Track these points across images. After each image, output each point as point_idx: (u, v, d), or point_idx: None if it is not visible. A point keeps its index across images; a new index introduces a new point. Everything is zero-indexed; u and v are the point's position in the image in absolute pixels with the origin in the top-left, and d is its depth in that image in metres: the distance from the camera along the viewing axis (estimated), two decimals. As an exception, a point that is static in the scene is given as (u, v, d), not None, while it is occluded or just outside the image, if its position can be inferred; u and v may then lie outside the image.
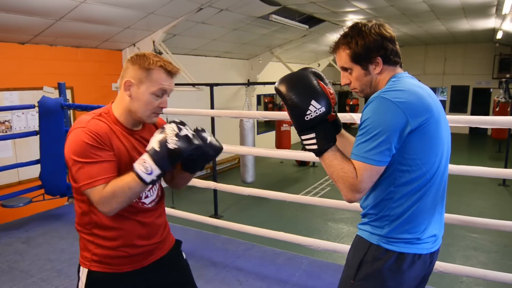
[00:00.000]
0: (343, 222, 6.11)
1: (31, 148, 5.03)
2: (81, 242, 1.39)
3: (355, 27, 1.28)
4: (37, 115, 3.80)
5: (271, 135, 10.62)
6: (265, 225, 3.23)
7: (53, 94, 5.31)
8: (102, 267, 1.35)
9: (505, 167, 7.88)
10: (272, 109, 12.17)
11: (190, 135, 1.24)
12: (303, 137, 1.26)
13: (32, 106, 3.84)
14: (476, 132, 14.18)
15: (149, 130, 1.43)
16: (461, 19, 8.61)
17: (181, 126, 1.24)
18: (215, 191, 6.10)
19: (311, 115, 1.21)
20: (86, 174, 1.22)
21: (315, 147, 1.24)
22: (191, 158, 1.37)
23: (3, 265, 2.84)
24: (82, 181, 1.23)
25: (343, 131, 1.47)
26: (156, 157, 1.19)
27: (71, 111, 5.17)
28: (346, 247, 2.73)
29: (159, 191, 1.48)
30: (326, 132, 1.24)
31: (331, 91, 1.32)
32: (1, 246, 3.15)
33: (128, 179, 1.21)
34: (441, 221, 1.34)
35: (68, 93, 5.70)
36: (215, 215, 6.08)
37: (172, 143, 1.19)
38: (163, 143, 1.19)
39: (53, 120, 3.69)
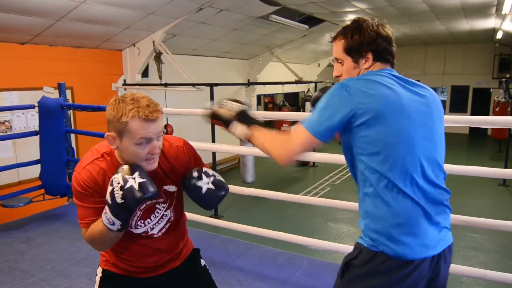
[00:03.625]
0: (343, 222, 6.10)
1: (31, 148, 5.03)
2: None
3: (356, 21, 1.32)
4: (37, 115, 3.80)
5: (271, 135, 10.59)
6: (265, 225, 3.23)
7: (53, 94, 5.31)
8: (115, 269, 1.45)
9: (505, 167, 7.88)
10: (272, 109, 12.18)
11: (136, 186, 1.15)
12: (230, 128, 1.41)
13: (32, 106, 3.83)
14: (476, 132, 14.16)
15: (161, 165, 1.42)
16: (461, 19, 8.61)
17: (127, 177, 1.16)
18: (215, 191, 6.09)
19: (229, 109, 1.42)
20: (78, 212, 1.32)
21: (240, 128, 1.38)
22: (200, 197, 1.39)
23: (3, 265, 2.84)
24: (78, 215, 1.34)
25: None
26: (112, 209, 1.18)
27: (71, 111, 5.17)
28: (346, 247, 2.73)
29: (171, 216, 1.43)
30: (251, 116, 1.41)
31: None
32: (1, 246, 3.14)
33: (100, 226, 1.24)
34: (438, 225, 1.26)
35: (68, 93, 5.70)
36: (215, 215, 6.08)
37: (118, 197, 1.15)
38: (112, 197, 1.17)
39: (53, 120, 3.69)
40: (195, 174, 1.36)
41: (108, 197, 1.18)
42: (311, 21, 8.08)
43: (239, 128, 1.38)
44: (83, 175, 1.28)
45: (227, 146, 3.26)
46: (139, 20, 5.66)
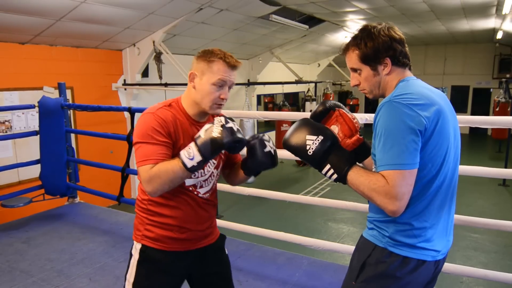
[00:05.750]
0: (343, 222, 6.11)
1: (31, 148, 5.03)
2: (137, 218, 1.50)
3: (365, 29, 1.30)
4: (37, 115, 3.80)
5: (271, 135, 10.61)
6: (265, 225, 3.23)
7: (53, 94, 5.31)
8: (153, 243, 1.45)
9: (505, 167, 7.89)
10: (272, 109, 12.18)
11: (235, 129, 1.30)
12: (323, 172, 1.28)
13: (32, 106, 3.83)
14: (476, 132, 14.17)
15: None
16: (461, 19, 8.61)
17: (229, 120, 1.32)
18: (215, 191, 6.09)
19: (312, 148, 1.25)
20: (142, 153, 1.32)
21: (335, 176, 1.25)
22: (249, 162, 1.49)
23: (3, 265, 2.84)
24: (137, 159, 1.33)
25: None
26: (200, 143, 1.27)
27: (71, 111, 5.17)
28: (346, 247, 2.74)
29: (214, 184, 1.55)
30: (340, 156, 1.25)
31: (349, 118, 1.33)
32: (1, 246, 3.14)
33: (173, 163, 1.29)
34: (449, 228, 1.32)
35: (68, 93, 5.70)
36: (215, 215, 6.07)
37: (216, 132, 1.27)
38: (209, 132, 1.28)
39: (53, 120, 3.69)
40: (266, 136, 1.48)
41: (201, 132, 1.29)
42: (311, 21, 8.08)
43: (333, 176, 1.26)
44: (159, 114, 1.36)
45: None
46: (139, 20, 5.66)
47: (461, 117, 2.24)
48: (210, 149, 1.26)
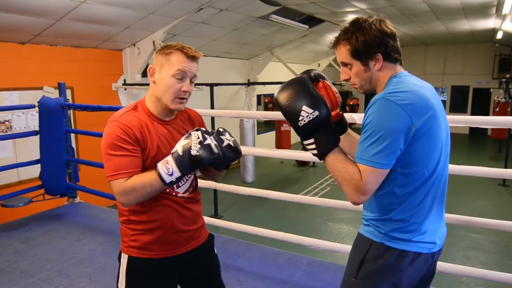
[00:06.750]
0: (343, 222, 6.11)
1: (31, 148, 5.03)
2: (121, 229, 1.46)
3: (356, 22, 1.27)
4: (37, 115, 3.80)
5: (271, 135, 10.61)
6: (265, 225, 3.23)
7: (53, 94, 5.31)
8: (140, 253, 1.41)
9: (505, 167, 7.88)
10: (272, 109, 12.17)
11: (213, 145, 1.27)
12: (304, 143, 1.27)
13: (32, 106, 3.83)
14: (476, 132, 14.18)
15: (182, 119, 1.49)
16: (461, 19, 8.61)
17: (206, 135, 1.28)
18: (215, 191, 6.10)
19: (304, 121, 1.21)
20: (112, 166, 1.29)
21: (315, 151, 1.25)
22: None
23: (3, 265, 2.84)
24: (108, 172, 1.30)
25: (349, 130, 1.48)
26: (179, 161, 1.25)
27: (71, 111, 5.17)
28: (346, 247, 2.73)
29: (193, 181, 1.50)
30: (327, 136, 1.24)
31: (333, 91, 1.32)
32: (1, 246, 3.14)
33: (150, 176, 1.27)
34: (441, 220, 1.35)
35: (68, 93, 5.70)
36: (215, 215, 6.08)
37: (195, 150, 1.24)
38: (187, 149, 1.24)
39: (53, 120, 3.69)
40: (220, 129, 1.39)
41: (179, 148, 1.25)
42: (311, 21, 8.09)
43: (313, 151, 1.27)
44: (122, 121, 1.32)
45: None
46: (139, 20, 5.66)
47: (461, 117, 2.25)
48: (189, 167, 1.25)
